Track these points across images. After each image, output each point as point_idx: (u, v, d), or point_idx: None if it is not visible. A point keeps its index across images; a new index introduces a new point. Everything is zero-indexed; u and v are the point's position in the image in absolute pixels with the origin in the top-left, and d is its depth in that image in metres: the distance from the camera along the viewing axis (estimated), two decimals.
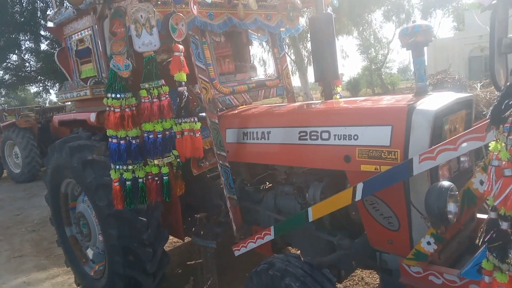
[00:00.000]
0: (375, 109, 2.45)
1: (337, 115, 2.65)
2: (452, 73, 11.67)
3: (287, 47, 19.51)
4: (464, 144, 1.91)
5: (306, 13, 12.01)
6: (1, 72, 18.11)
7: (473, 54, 21.29)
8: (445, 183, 1.90)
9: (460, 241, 2.43)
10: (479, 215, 2.61)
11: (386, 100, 2.62)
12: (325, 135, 2.54)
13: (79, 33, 3.68)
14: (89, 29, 3.51)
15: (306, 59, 20.27)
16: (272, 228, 2.73)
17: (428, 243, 2.07)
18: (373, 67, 33.93)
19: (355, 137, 2.37)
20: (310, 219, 2.45)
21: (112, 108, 2.60)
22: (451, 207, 1.89)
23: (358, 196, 2.18)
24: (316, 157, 2.60)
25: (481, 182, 1.92)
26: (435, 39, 22.78)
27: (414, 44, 2.29)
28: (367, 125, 2.33)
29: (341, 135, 2.44)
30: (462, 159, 2.46)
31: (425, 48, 2.38)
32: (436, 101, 2.23)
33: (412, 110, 2.15)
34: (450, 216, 1.88)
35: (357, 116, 2.47)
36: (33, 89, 23.44)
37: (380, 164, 2.22)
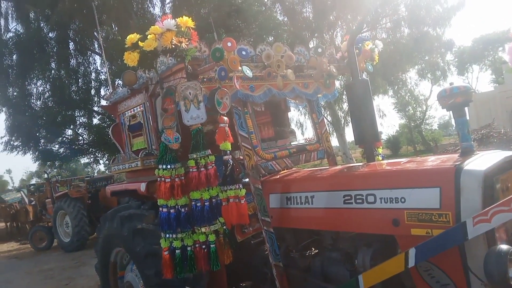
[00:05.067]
0: (421, 170, 2.43)
1: (382, 178, 2.64)
2: (496, 127, 11.30)
3: (323, 109, 19.87)
4: None
5: (341, 77, 12.39)
6: (57, 145, 19.59)
7: None
8: (504, 247, 1.81)
9: None
10: None
11: (431, 161, 2.60)
12: (370, 199, 2.52)
13: (132, 110, 4.01)
14: (141, 105, 3.82)
15: (343, 120, 20.43)
16: None
17: None
18: (412, 124, 33.48)
19: (402, 200, 2.33)
20: None
21: (163, 179, 2.75)
22: None
23: (411, 263, 2.10)
24: (363, 221, 2.56)
25: None
26: (476, 94, 22.44)
27: (454, 105, 2.33)
28: (413, 187, 2.31)
29: (387, 198, 2.42)
30: None
31: None
32: (484, 161, 2.20)
33: (460, 171, 2.12)
34: None
35: (403, 178, 2.45)
36: (84, 160, 24.92)
37: (432, 227, 2.15)
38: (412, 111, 33.37)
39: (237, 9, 14.06)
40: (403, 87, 24.25)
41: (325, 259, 3.06)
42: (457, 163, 2.21)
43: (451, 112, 2.43)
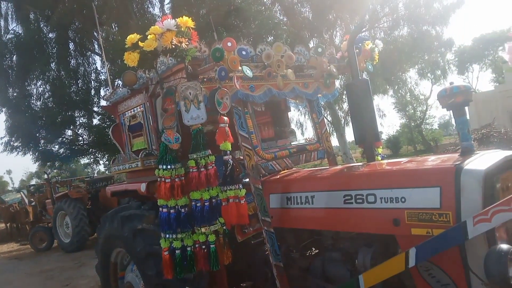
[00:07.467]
0: (421, 170, 2.43)
1: (382, 178, 2.64)
2: (497, 126, 11.29)
3: (323, 109, 19.76)
4: None
5: (341, 77, 12.40)
6: (57, 146, 19.59)
7: None
8: (504, 246, 1.82)
9: None
10: None
11: (432, 161, 2.60)
12: (371, 198, 2.52)
13: (132, 110, 4.00)
14: (141, 106, 3.82)
15: (343, 120, 20.42)
16: None
17: None
18: (413, 124, 33.49)
19: (403, 200, 2.34)
20: None
21: (163, 179, 2.75)
22: None
23: (412, 262, 2.10)
24: (363, 221, 2.56)
25: None
26: (476, 93, 22.46)
27: (454, 104, 2.33)
28: (414, 187, 2.31)
29: (387, 198, 2.42)
30: None
31: None
32: (484, 160, 2.20)
33: (460, 171, 2.12)
34: None
35: (403, 178, 2.45)
36: (84, 160, 24.90)
37: (432, 227, 2.16)
38: (412, 111, 33.38)
39: (236, 9, 14.06)
40: (403, 86, 24.26)
41: (325, 259, 3.06)
42: (457, 163, 2.21)
43: (451, 111, 2.43)
